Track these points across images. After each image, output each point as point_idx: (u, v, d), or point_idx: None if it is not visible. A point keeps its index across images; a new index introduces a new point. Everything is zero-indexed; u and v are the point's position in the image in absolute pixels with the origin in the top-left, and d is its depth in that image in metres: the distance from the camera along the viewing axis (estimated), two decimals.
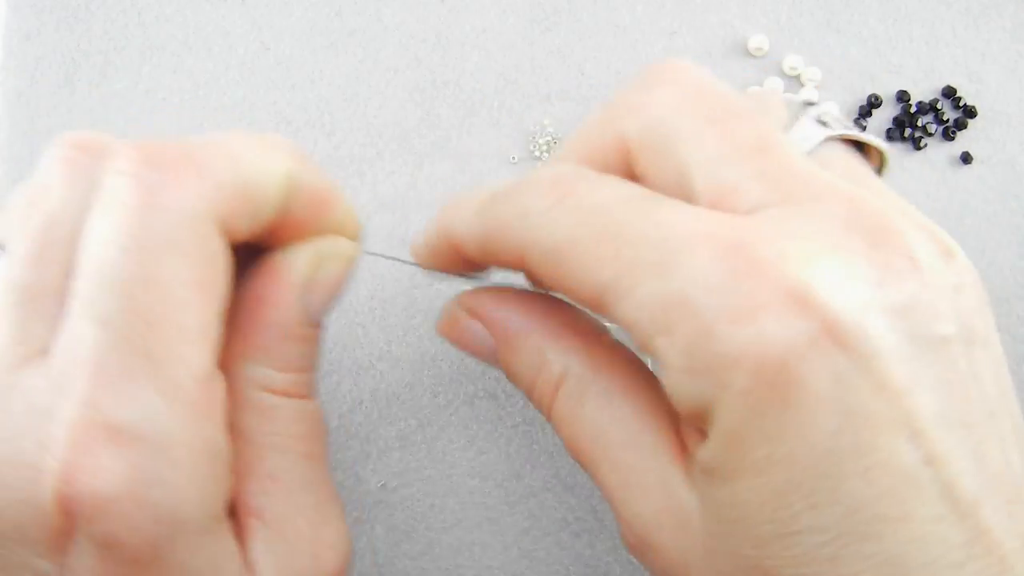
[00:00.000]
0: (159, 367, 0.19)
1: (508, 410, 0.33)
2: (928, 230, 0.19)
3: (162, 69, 0.35)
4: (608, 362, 0.22)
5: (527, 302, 0.23)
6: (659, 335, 0.18)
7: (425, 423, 0.33)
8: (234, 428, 0.21)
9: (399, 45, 0.35)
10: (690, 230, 0.18)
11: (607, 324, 0.23)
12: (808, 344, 0.17)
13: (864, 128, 0.35)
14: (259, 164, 0.21)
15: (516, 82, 0.35)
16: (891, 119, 0.35)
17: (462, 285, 0.25)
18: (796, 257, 0.17)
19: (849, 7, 0.36)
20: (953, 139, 0.34)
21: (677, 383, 0.18)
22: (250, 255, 0.23)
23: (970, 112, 0.35)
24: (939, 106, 0.35)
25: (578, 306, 0.22)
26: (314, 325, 0.23)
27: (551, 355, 0.22)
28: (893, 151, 0.35)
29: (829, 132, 0.22)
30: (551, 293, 0.23)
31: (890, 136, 0.35)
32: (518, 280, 0.23)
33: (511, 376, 0.23)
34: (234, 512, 0.21)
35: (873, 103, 0.35)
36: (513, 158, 0.34)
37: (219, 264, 0.20)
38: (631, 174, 0.21)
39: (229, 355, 0.21)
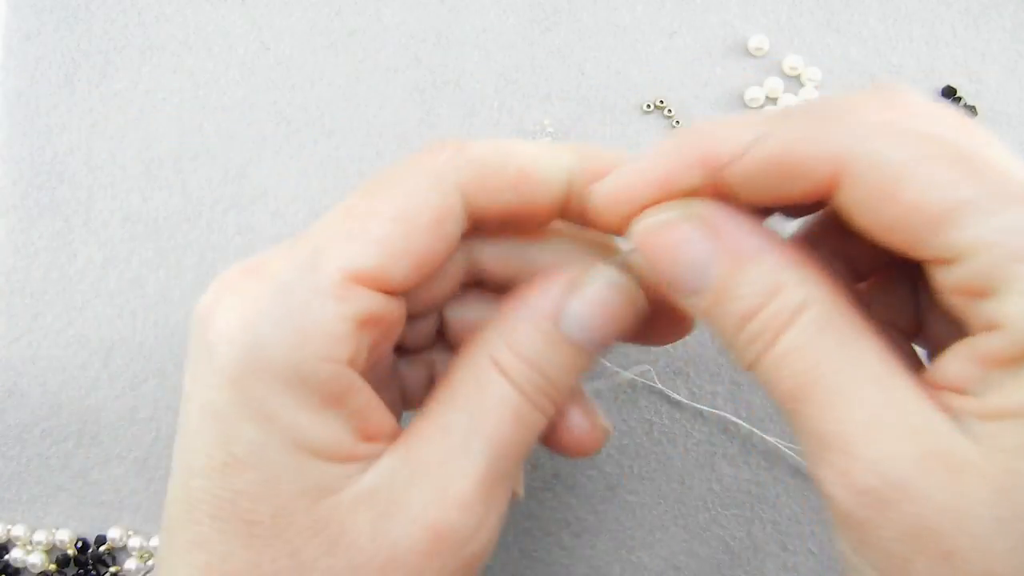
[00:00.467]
0: (325, 243, 0.21)
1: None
2: None
3: (162, 69, 0.35)
4: (847, 301, 0.20)
5: (762, 227, 0.21)
6: (1021, 261, 0.17)
7: None
8: (450, 378, 0.23)
9: (399, 45, 0.35)
10: None
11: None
12: None
13: None
14: (529, 156, 0.22)
15: (516, 82, 0.35)
16: None
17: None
18: None
19: (849, 7, 0.36)
20: None
21: None
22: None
23: (970, 112, 0.35)
24: None
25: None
26: (567, 339, 0.22)
27: (792, 280, 0.20)
28: None
29: None
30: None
31: None
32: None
33: (719, 303, 0.21)
34: (400, 434, 0.22)
35: None
36: None
37: (433, 215, 0.21)
38: (819, 196, 0.20)
39: (489, 321, 0.23)
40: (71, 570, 0.32)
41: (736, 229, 0.21)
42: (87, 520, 0.32)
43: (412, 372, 0.27)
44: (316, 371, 0.20)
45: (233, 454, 0.20)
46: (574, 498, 0.32)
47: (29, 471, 0.33)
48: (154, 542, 0.32)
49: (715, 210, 0.21)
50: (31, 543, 0.32)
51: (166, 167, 0.34)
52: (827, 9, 0.36)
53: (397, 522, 0.21)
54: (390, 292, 0.22)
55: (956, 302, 0.19)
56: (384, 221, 0.21)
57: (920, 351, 0.24)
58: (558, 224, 0.25)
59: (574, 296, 0.22)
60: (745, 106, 0.35)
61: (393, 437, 0.22)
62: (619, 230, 0.22)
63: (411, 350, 0.26)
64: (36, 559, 0.32)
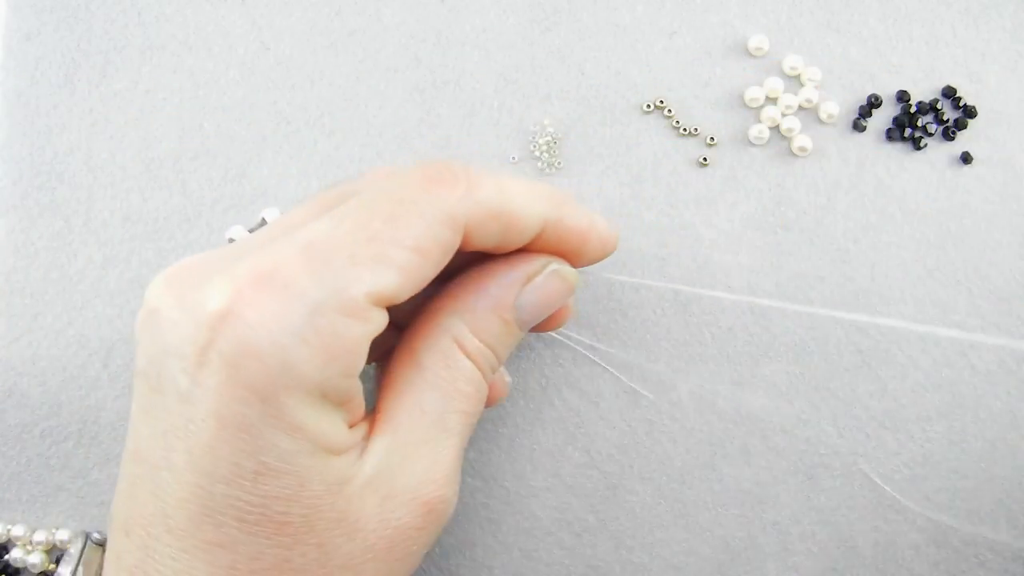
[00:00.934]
0: (350, 265, 0.22)
1: (508, 410, 0.33)
2: None
3: (162, 69, 0.35)
4: None
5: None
6: None
7: None
8: (416, 359, 0.25)
9: (399, 45, 0.35)
10: None
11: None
12: None
13: (864, 128, 0.35)
14: (521, 203, 0.25)
15: (516, 82, 0.35)
16: (891, 119, 0.35)
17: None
18: None
19: (849, 7, 0.36)
20: (953, 139, 0.35)
21: None
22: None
23: (970, 112, 0.35)
24: (939, 106, 0.35)
25: None
26: (517, 322, 0.27)
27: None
28: (893, 151, 0.35)
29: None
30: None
31: (890, 136, 0.35)
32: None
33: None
34: (377, 416, 0.25)
35: (873, 103, 0.35)
36: (513, 158, 0.34)
37: (442, 250, 0.24)
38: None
39: (442, 306, 0.26)
40: None
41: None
42: (87, 520, 0.32)
43: None
44: (338, 385, 0.23)
45: (265, 463, 0.22)
46: (574, 498, 0.32)
47: (29, 471, 0.33)
48: None
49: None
50: (31, 543, 0.32)
51: (166, 167, 0.34)
52: (827, 9, 0.36)
53: (398, 502, 0.24)
54: (393, 306, 0.24)
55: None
56: (405, 251, 0.23)
57: None
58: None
59: (528, 287, 0.27)
60: (745, 106, 0.35)
61: (364, 415, 0.25)
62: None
63: None
64: (36, 559, 0.32)
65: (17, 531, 0.32)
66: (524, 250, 0.27)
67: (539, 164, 0.34)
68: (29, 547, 0.32)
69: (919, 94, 0.35)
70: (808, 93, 0.35)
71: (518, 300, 0.26)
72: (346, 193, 0.26)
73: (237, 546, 0.22)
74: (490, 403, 0.29)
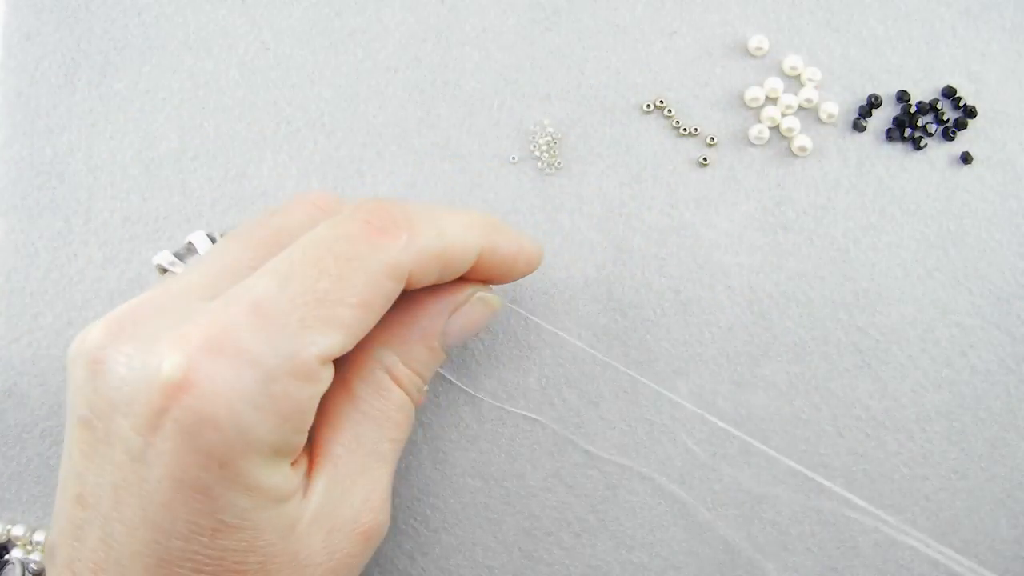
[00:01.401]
0: (301, 329, 0.23)
1: (508, 410, 0.33)
2: None
3: (162, 69, 0.35)
4: None
5: None
6: None
7: (426, 423, 0.33)
8: (350, 390, 0.26)
9: (399, 45, 0.35)
10: None
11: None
12: None
13: (864, 128, 0.35)
14: (458, 241, 0.26)
15: (516, 82, 0.35)
16: (891, 119, 0.35)
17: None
18: None
19: (849, 7, 0.36)
20: (953, 139, 0.35)
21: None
22: None
23: (970, 112, 0.35)
24: (939, 106, 0.35)
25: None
26: (443, 347, 0.28)
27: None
28: (893, 151, 0.35)
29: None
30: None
31: (890, 136, 0.35)
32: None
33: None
34: (315, 449, 0.26)
35: (873, 103, 0.35)
36: (513, 158, 0.34)
37: (386, 300, 0.25)
38: None
39: (373, 337, 0.26)
40: None
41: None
42: None
43: None
44: (290, 441, 0.23)
45: (222, 521, 0.22)
46: (574, 498, 0.32)
47: (29, 471, 0.33)
48: None
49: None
50: (31, 543, 0.32)
51: (166, 167, 0.34)
52: (827, 9, 0.36)
53: (341, 535, 0.25)
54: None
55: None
56: (351, 308, 0.24)
57: None
58: None
59: (455, 315, 0.28)
60: (745, 106, 0.35)
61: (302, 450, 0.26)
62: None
63: None
64: (36, 559, 0.32)
65: (17, 531, 0.32)
66: None
67: (539, 164, 0.34)
68: (29, 547, 0.32)
69: (919, 94, 0.35)
70: (808, 93, 0.35)
71: (445, 328, 0.28)
72: (280, 232, 0.26)
73: None
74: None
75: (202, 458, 0.22)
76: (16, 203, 0.34)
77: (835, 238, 0.34)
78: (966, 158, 0.34)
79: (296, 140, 0.35)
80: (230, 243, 0.26)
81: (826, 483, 0.32)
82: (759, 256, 0.34)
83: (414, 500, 0.32)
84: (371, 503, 0.26)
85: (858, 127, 0.35)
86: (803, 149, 0.34)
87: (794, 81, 0.35)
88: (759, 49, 0.35)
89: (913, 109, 0.34)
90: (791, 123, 0.34)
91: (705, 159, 0.34)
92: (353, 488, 0.26)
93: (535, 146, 0.34)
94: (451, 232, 0.26)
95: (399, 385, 0.27)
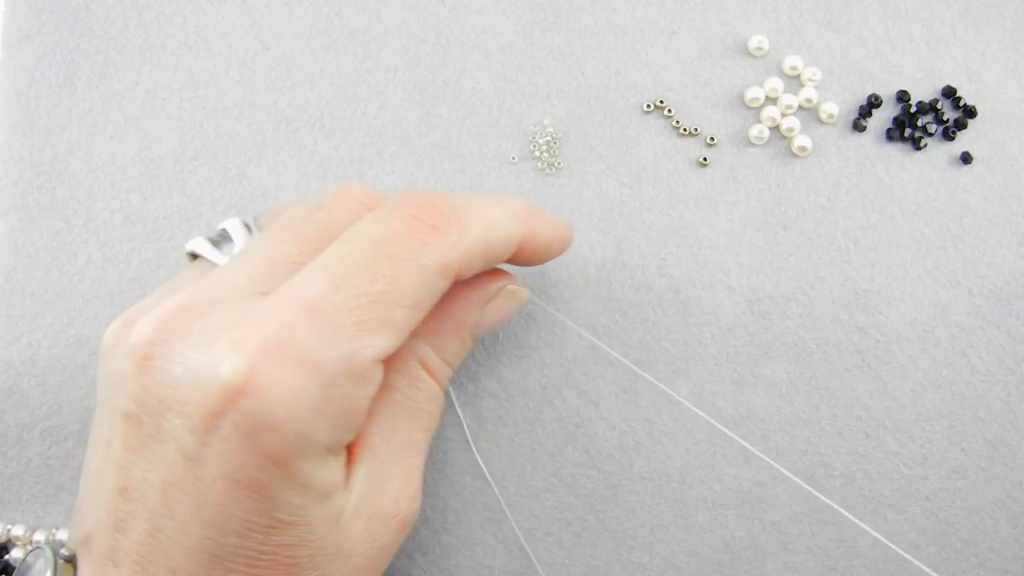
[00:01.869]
0: (357, 331, 0.23)
1: (508, 410, 0.33)
2: None
3: (162, 69, 0.35)
4: None
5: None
6: None
7: None
8: (386, 382, 0.26)
9: (399, 45, 0.35)
10: None
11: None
12: None
13: (864, 128, 0.35)
14: (503, 232, 0.26)
15: (516, 82, 0.35)
16: (891, 119, 0.35)
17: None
18: None
19: (849, 7, 0.36)
20: (953, 139, 0.35)
21: None
22: None
23: (970, 112, 0.35)
24: (939, 106, 0.35)
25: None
26: (472, 338, 0.28)
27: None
28: (893, 151, 0.35)
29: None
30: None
31: (890, 136, 0.35)
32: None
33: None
34: (356, 439, 0.25)
35: (873, 103, 0.35)
36: (513, 158, 0.34)
37: (436, 298, 0.25)
38: None
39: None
40: None
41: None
42: None
43: None
44: (345, 440, 0.24)
45: (277, 519, 0.23)
46: (574, 498, 0.32)
47: (29, 471, 0.33)
48: None
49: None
50: (31, 543, 0.32)
51: (166, 167, 0.34)
52: (827, 9, 0.36)
53: (380, 523, 0.25)
54: None
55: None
56: (405, 310, 0.24)
57: None
58: None
59: (486, 308, 0.28)
60: (745, 106, 0.35)
61: None
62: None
63: None
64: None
65: (17, 531, 0.32)
66: None
67: (539, 164, 0.34)
68: (29, 547, 0.32)
69: (919, 94, 0.35)
70: (808, 93, 0.35)
71: (476, 319, 0.28)
72: (326, 228, 0.26)
73: None
74: None
75: (260, 459, 0.22)
76: (16, 203, 0.34)
77: (835, 238, 0.34)
78: (966, 158, 0.34)
79: (296, 140, 0.35)
80: (276, 237, 0.26)
81: (805, 485, 0.32)
82: (759, 256, 0.34)
83: None
84: (408, 492, 0.26)
85: (858, 127, 0.35)
86: (803, 149, 0.34)
87: (794, 81, 0.35)
88: (759, 49, 0.35)
89: (913, 109, 0.34)
90: (791, 123, 0.34)
91: (705, 159, 0.34)
92: (390, 478, 0.26)
93: (535, 146, 0.34)
94: (497, 225, 0.26)
95: (431, 375, 0.27)
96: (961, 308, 0.34)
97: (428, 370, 0.27)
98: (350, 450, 0.25)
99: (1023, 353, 0.33)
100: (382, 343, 0.23)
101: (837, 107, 0.35)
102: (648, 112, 0.35)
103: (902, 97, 0.35)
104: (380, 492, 0.26)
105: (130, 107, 0.35)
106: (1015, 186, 0.34)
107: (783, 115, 0.35)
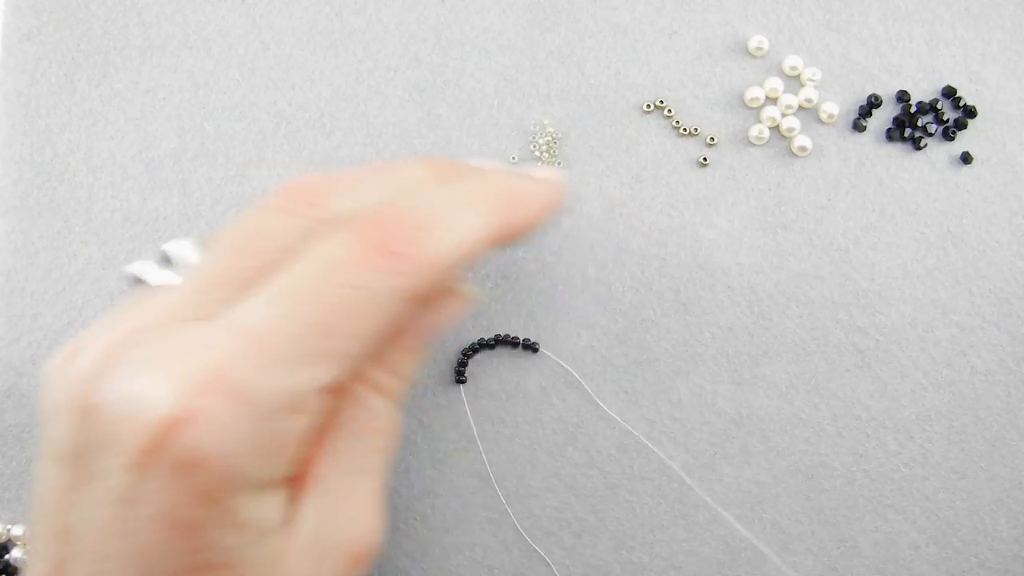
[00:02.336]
0: (303, 363, 0.21)
1: (508, 410, 0.33)
2: None
3: (162, 69, 0.35)
4: None
5: None
6: None
7: (425, 423, 0.33)
8: (329, 406, 0.24)
9: (399, 45, 0.35)
10: None
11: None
12: None
13: (864, 128, 0.35)
14: (473, 241, 0.24)
15: (516, 82, 0.35)
16: (891, 119, 0.35)
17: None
18: None
19: (849, 7, 0.36)
20: (953, 139, 0.35)
21: None
22: None
23: (970, 112, 0.35)
24: (939, 106, 0.35)
25: None
26: (422, 347, 0.27)
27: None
28: (893, 151, 0.35)
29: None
30: None
31: (890, 136, 0.35)
32: None
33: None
34: (304, 471, 0.24)
35: (873, 103, 0.35)
36: (513, 158, 0.34)
37: (396, 323, 0.23)
38: None
39: None
40: None
41: None
42: None
43: None
44: (280, 474, 0.23)
45: (209, 560, 0.22)
46: (574, 498, 0.32)
47: (29, 471, 0.33)
48: None
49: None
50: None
51: (166, 167, 0.34)
52: (827, 9, 0.36)
53: (331, 559, 0.24)
54: None
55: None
56: (356, 339, 0.22)
57: None
58: None
59: (430, 313, 0.26)
60: (745, 106, 0.35)
61: None
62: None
63: None
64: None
65: (17, 531, 0.32)
66: None
67: (539, 164, 0.34)
68: (29, 547, 0.32)
69: (919, 94, 0.35)
70: (808, 93, 0.35)
71: (419, 327, 0.26)
72: (265, 237, 0.24)
73: None
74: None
75: (193, 497, 0.21)
76: (16, 203, 0.34)
77: (835, 238, 0.34)
78: (966, 158, 0.34)
79: (296, 140, 0.35)
80: (216, 254, 0.24)
81: (733, 521, 0.32)
82: (759, 256, 0.34)
83: (414, 500, 0.32)
84: (360, 525, 0.25)
85: (858, 127, 0.35)
86: (803, 149, 0.34)
87: (794, 81, 0.35)
88: (759, 49, 0.35)
89: (913, 109, 0.34)
90: (791, 123, 0.34)
91: (705, 159, 0.34)
92: (340, 509, 0.24)
93: (535, 146, 0.34)
94: (467, 235, 0.24)
95: (381, 392, 0.25)
96: (961, 308, 0.34)
97: (378, 388, 0.25)
98: (298, 483, 0.24)
99: (1023, 353, 0.33)
100: (331, 374, 0.22)
101: (837, 107, 0.35)
102: (648, 112, 0.35)
103: (902, 97, 0.35)
104: (329, 526, 0.24)
105: (130, 107, 0.35)
106: (1015, 186, 0.34)
107: (783, 115, 0.35)
